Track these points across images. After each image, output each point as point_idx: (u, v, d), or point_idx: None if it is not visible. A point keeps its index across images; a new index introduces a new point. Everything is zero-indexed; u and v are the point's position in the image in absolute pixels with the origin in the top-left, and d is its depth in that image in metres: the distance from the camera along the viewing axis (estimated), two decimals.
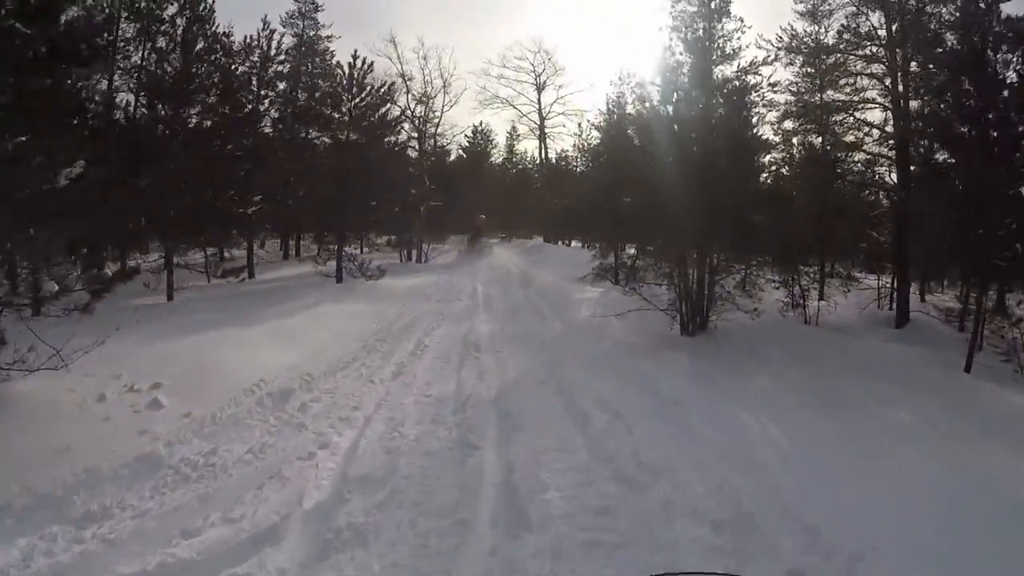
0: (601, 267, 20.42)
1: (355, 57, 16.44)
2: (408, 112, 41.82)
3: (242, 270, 15.19)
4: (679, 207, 10.58)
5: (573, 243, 47.86)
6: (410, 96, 40.26)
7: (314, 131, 17.82)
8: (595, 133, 26.96)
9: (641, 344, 10.06)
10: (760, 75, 12.54)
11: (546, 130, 44.53)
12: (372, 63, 16.43)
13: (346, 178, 15.86)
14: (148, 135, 14.25)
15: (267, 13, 22.91)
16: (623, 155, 16.07)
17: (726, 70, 11.63)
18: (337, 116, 16.11)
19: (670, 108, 11.70)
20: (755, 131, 12.79)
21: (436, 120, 42.58)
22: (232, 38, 20.80)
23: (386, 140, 18.18)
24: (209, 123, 14.41)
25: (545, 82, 44.60)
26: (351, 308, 12.67)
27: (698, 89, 11.42)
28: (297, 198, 17.18)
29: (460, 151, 44.58)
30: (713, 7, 11.38)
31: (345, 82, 16.14)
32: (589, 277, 19.67)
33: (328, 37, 26.05)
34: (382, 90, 16.77)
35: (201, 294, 14.70)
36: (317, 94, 17.49)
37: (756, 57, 12.30)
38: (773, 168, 15.29)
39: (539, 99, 44.57)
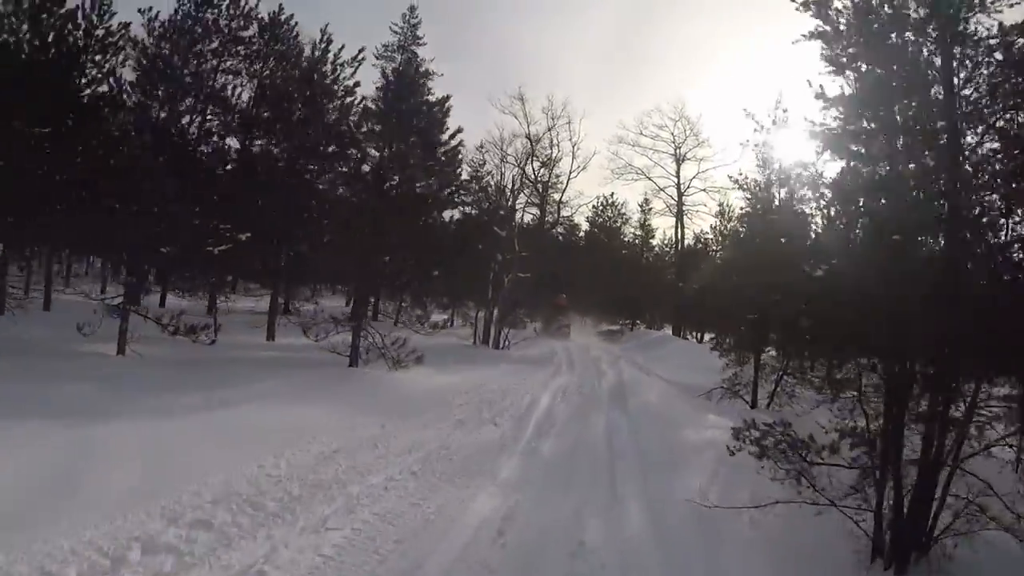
0: (733, 381, 14.14)
1: (412, 61, 12.21)
2: (532, 176, 38.53)
3: (204, 329, 10.87)
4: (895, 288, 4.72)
5: (706, 337, 40.65)
6: (534, 160, 36.78)
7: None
8: (738, 200, 21.13)
9: None
10: None
11: (684, 207, 38.72)
12: (432, 71, 12.10)
13: (370, 223, 11.21)
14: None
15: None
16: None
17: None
18: (364, 132, 11.70)
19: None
20: None
21: (561, 186, 38.53)
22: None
23: (443, 183, 13.50)
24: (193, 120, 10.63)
25: (685, 154, 39.08)
26: (297, 416, 7.61)
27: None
28: (321, 245, 12.80)
29: (586, 222, 39.70)
30: None
31: (385, 91, 11.80)
32: (716, 394, 13.54)
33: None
34: (436, 107, 12.15)
35: (156, 351, 10.66)
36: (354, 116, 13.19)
37: None
38: None
39: (678, 172, 39.07)
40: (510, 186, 20.95)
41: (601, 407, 11.18)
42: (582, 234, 40.27)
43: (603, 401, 11.81)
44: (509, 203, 22.67)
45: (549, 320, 29.15)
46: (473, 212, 24.62)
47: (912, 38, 5.61)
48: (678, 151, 39.23)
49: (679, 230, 38.44)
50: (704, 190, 38.55)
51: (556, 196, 37.89)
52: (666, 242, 41.27)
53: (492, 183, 23.32)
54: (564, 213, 37.70)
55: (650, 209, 38.78)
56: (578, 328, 33.82)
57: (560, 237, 38.96)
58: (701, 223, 48.04)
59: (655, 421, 10.32)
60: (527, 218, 36.47)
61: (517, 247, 19.53)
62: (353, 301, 12.42)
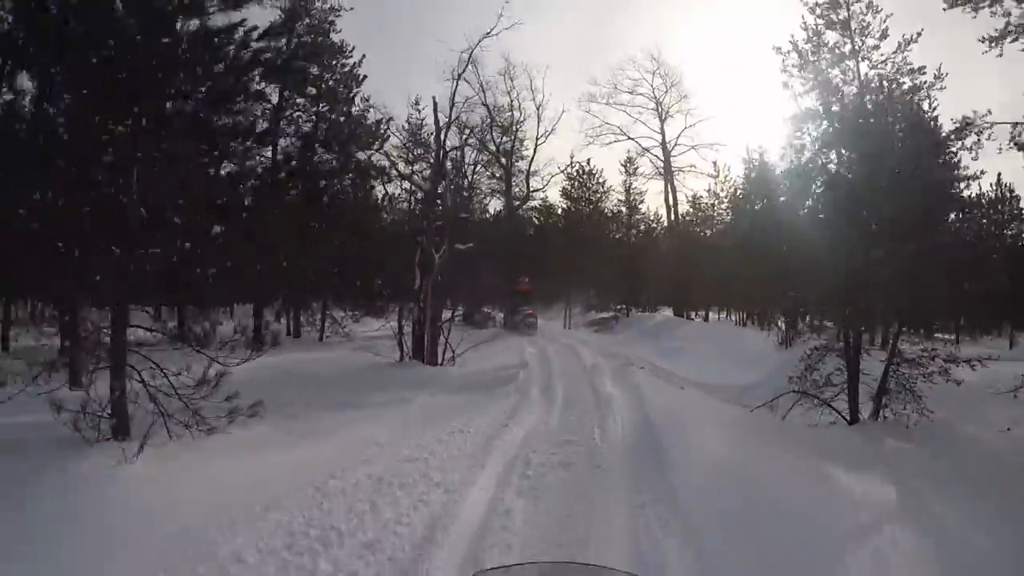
0: (811, 379, 9.04)
1: None
2: (493, 147, 32.07)
3: None
4: None
5: (713, 316, 34.47)
6: (494, 128, 30.63)
7: None
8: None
9: None
10: None
11: (673, 169, 32.29)
12: None
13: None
14: None
15: None
16: None
17: None
18: None
19: None
20: None
21: (528, 155, 32.11)
22: None
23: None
24: None
25: (668, 109, 32.73)
26: None
27: None
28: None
29: (562, 196, 32.87)
30: None
31: None
32: (783, 403, 8.82)
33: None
34: None
35: None
36: None
37: None
38: None
39: (662, 129, 32.72)
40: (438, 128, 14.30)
41: (612, 506, 4.70)
42: (559, 211, 33.50)
43: (613, 481, 5.29)
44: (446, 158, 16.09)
45: (512, 312, 22.40)
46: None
47: None
48: (660, 106, 33.00)
49: (670, 195, 32.08)
50: (694, 147, 32.46)
51: (523, 166, 31.64)
52: (653, 217, 34.88)
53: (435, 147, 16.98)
54: (535, 185, 31.36)
55: (635, 170, 32.29)
56: (562, 319, 27.43)
57: (535, 218, 32.56)
58: (697, 184, 41.63)
59: (760, 547, 3.92)
60: (495, 205, 30.51)
61: (450, 204, 12.79)
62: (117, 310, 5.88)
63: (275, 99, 17.11)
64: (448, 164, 12.76)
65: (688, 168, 32.60)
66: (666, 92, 32.63)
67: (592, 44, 57.45)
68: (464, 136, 18.55)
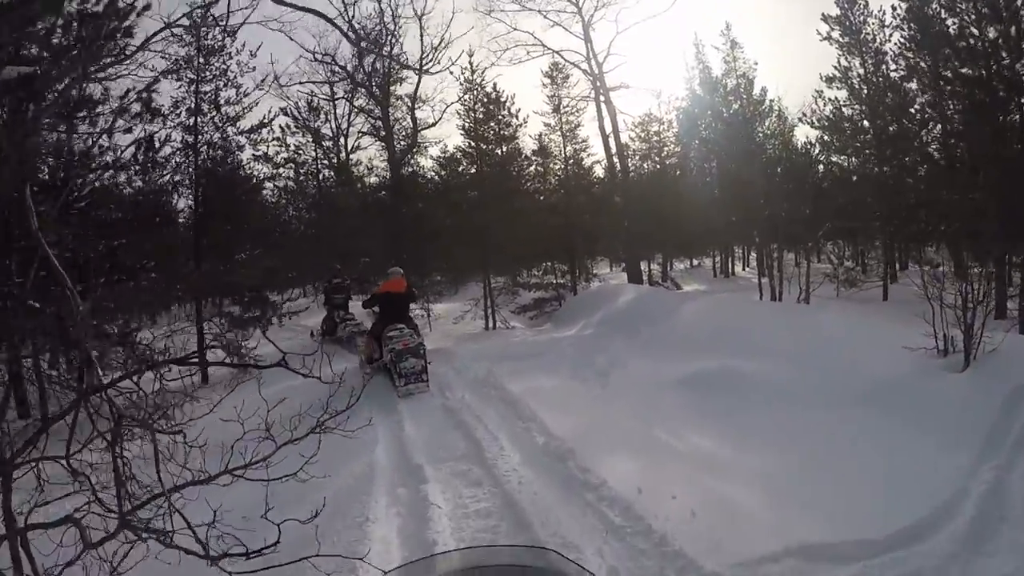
0: None
1: None
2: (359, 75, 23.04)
3: None
4: None
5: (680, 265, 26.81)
6: (364, 51, 21.92)
7: None
8: None
9: None
10: None
11: (607, 89, 23.01)
12: None
13: None
14: None
15: None
16: None
17: None
18: None
19: None
20: None
21: (411, 82, 23.03)
22: None
23: None
24: None
25: (593, 13, 22.96)
26: None
27: None
28: None
29: (461, 133, 22.61)
30: None
31: None
32: None
33: None
34: None
35: None
36: None
37: None
38: None
39: (587, 37, 23.08)
40: None
41: None
42: (459, 157, 23.21)
43: None
44: None
45: (375, 339, 10.33)
46: None
47: None
48: (582, 5, 23.14)
49: (607, 120, 22.89)
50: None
51: (397, 90, 22.72)
52: (587, 158, 25.00)
53: None
54: (425, 120, 22.46)
55: (565, 79, 22.86)
56: (483, 311, 18.55)
57: (434, 173, 22.99)
58: (637, 107, 32.87)
59: None
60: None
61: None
62: None
63: None
64: None
65: (620, 86, 23.80)
66: None
67: None
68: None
